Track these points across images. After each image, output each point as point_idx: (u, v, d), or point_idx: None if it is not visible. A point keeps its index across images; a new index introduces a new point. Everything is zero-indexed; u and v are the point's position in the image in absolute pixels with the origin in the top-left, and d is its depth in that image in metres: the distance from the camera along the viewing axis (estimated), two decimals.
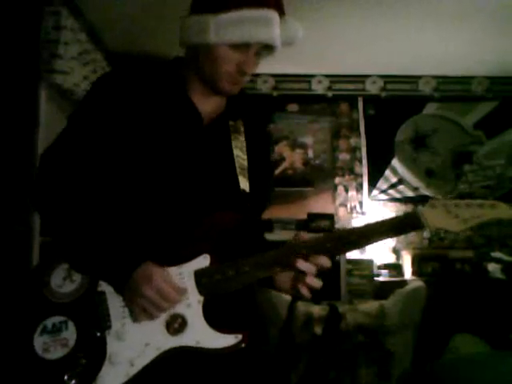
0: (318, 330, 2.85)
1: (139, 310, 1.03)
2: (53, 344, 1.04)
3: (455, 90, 3.91)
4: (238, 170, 1.18)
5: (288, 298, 3.02)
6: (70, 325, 1.05)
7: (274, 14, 1.07)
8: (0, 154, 2.32)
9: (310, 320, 2.90)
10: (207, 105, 1.18)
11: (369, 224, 1.12)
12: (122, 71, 1.20)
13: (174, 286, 1.04)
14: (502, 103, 3.85)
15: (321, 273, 1.12)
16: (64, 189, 1.10)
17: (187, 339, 1.04)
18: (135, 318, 1.04)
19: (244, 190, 1.17)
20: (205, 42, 1.08)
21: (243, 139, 1.22)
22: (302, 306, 2.97)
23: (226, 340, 1.05)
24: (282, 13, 1.10)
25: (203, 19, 1.07)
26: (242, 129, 1.23)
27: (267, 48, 1.12)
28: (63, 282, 1.08)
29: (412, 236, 3.69)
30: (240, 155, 1.20)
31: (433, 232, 3.67)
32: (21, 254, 2.33)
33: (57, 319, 1.06)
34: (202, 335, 1.05)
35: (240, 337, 1.05)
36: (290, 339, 2.84)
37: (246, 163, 1.20)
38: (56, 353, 1.03)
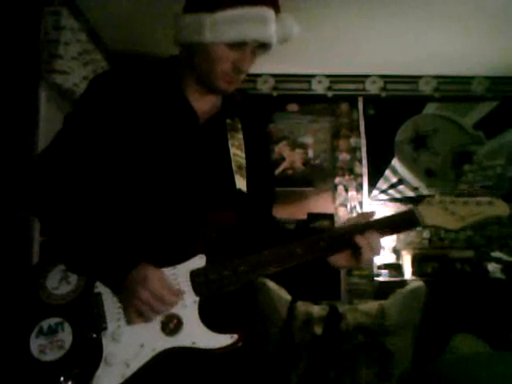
0: (318, 330, 2.85)
1: (134, 312, 1.03)
2: (49, 346, 1.03)
3: (455, 90, 3.90)
4: (234, 169, 1.17)
5: (288, 297, 3.02)
6: (66, 326, 1.05)
7: (269, 12, 1.07)
8: (0, 153, 2.32)
9: (310, 320, 2.90)
10: (203, 103, 1.18)
11: (363, 223, 1.11)
12: (118, 71, 1.20)
13: (169, 288, 1.03)
14: (502, 103, 3.85)
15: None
16: (60, 190, 1.09)
17: (183, 340, 1.04)
18: (129, 320, 1.04)
19: (240, 189, 1.16)
20: (201, 41, 1.07)
21: (241, 137, 1.21)
22: (301, 306, 2.97)
23: (222, 340, 1.04)
24: (277, 10, 1.10)
25: (199, 18, 1.07)
26: (240, 126, 1.22)
27: (263, 46, 1.12)
28: (59, 283, 1.07)
29: (412, 236, 3.69)
30: (237, 153, 1.19)
31: (431, 231, 3.67)
32: (21, 254, 2.33)
33: (53, 321, 1.05)
34: (197, 335, 1.04)
35: (236, 337, 1.04)
36: (289, 339, 2.84)
37: (243, 161, 1.19)
38: (52, 354, 1.03)
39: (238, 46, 1.08)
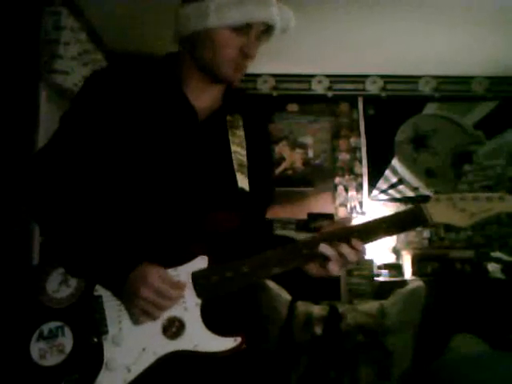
0: (318, 330, 2.85)
1: (139, 311, 1.01)
2: (49, 350, 1.01)
3: (455, 90, 3.91)
4: (235, 167, 1.15)
5: (288, 297, 3.02)
6: (67, 330, 1.03)
7: None
8: (0, 153, 2.32)
9: (310, 320, 2.90)
10: (203, 100, 1.15)
11: (369, 221, 1.09)
12: (114, 68, 1.18)
13: (171, 283, 1.01)
14: (502, 103, 3.85)
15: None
16: (57, 191, 1.08)
17: (185, 343, 1.02)
18: (136, 321, 1.02)
19: (242, 189, 1.14)
20: (206, 27, 1.06)
21: (242, 134, 1.19)
22: (301, 306, 2.97)
23: (225, 343, 1.03)
24: None
25: (203, 4, 1.06)
26: (241, 123, 1.20)
27: (266, 32, 1.11)
28: (59, 286, 1.05)
29: (412, 236, 3.69)
30: (238, 151, 1.17)
31: (431, 231, 3.67)
32: (21, 255, 2.32)
33: (53, 325, 1.03)
34: (200, 339, 1.02)
35: (239, 340, 1.03)
36: (289, 339, 2.84)
37: (244, 159, 1.17)
38: (53, 359, 1.01)
39: (243, 30, 1.07)
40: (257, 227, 1.25)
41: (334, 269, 1.05)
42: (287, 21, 1.13)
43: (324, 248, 1.04)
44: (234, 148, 1.17)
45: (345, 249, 1.04)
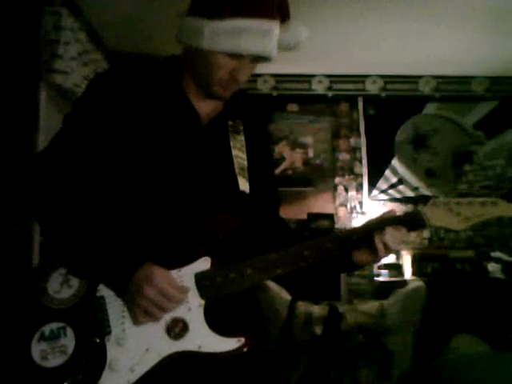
0: (318, 330, 2.85)
1: (141, 311, 1.01)
2: (51, 351, 1.00)
3: (455, 90, 3.91)
4: (237, 171, 1.16)
5: (288, 297, 3.02)
6: (69, 331, 1.02)
7: (271, 25, 1.03)
8: (0, 153, 2.32)
9: (310, 320, 2.90)
10: (205, 104, 1.16)
11: (368, 222, 1.12)
12: (118, 70, 1.18)
13: (175, 285, 1.02)
14: (502, 103, 3.85)
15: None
16: (60, 192, 1.08)
17: (189, 344, 1.02)
18: (136, 321, 1.02)
19: (243, 191, 1.15)
20: (199, 47, 1.06)
21: (242, 139, 1.20)
22: (301, 306, 2.97)
23: (229, 344, 1.03)
24: (284, 17, 1.07)
25: (199, 23, 1.05)
26: (242, 128, 1.21)
27: (263, 57, 1.09)
28: (60, 287, 1.05)
29: (412, 236, 3.69)
30: (239, 155, 1.18)
31: (431, 231, 3.68)
32: (21, 255, 2.32)
33: (55, 325, 1.02)
34: (203, 339, 1.02)
35: (243, 340, 1.03)
36: (289, 339, 2.84)
37: (245, 163, 1.18)
38: (55, 360, 1.00)
39: (237, 55, 1.06)
40: (269, 227, 1.25)
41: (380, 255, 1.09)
42: (297, 39, 1.10)
43: None
44: (235, 152, 1.18)
45: None
